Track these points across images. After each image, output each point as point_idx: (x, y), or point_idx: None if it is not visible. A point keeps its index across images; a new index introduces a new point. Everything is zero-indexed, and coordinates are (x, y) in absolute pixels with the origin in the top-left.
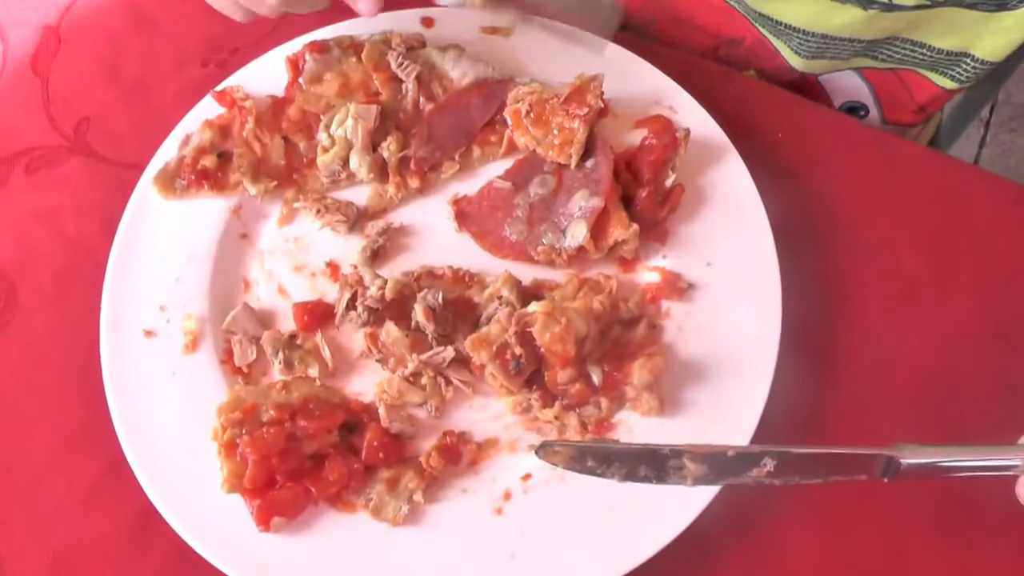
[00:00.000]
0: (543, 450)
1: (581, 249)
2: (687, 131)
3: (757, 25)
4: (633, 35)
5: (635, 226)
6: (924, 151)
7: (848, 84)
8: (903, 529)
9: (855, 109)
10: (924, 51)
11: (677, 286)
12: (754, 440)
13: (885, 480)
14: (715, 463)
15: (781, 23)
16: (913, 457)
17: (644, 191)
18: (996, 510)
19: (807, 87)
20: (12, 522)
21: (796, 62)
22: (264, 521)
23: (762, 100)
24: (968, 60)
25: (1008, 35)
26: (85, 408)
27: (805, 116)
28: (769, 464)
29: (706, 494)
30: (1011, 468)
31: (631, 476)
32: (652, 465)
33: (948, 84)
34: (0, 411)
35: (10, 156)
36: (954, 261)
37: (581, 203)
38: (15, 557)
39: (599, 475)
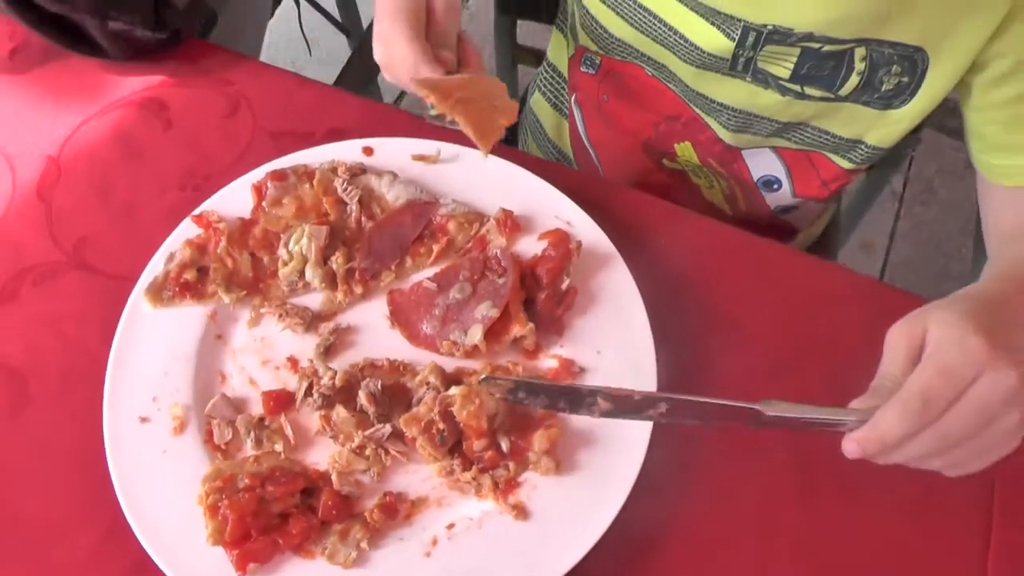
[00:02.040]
0: (486, 382)
1: (476, 347)
2: (579, 243)
3: (692, 105)
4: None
5: (531, 325)
6: (789, 251)
7: (765, 161)
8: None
9: (770, 183)
10: (828, 136)
11: (571, 370)
12: (632, 495)
13: (752, 427)
14: (621, 402)
15: (714, 101)
16: (773, 411)
17: (544, 293)
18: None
19: (731, 159)
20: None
21: (724, 135)
22: (242, 567)
23: (647, 211)
24: (863, 146)
25: (894, 127)
26: (90, 481)
27: (685, 224)
28: (663, 407)
29: (597, 530)
30: (842, 424)
31: (551, 406)
32: (570, 399)
33: (847, 165)
34: (15, 485)
35: (19, 272)
36: (810, 342)
37: (484, 311)
38: None
39: (526, 404)
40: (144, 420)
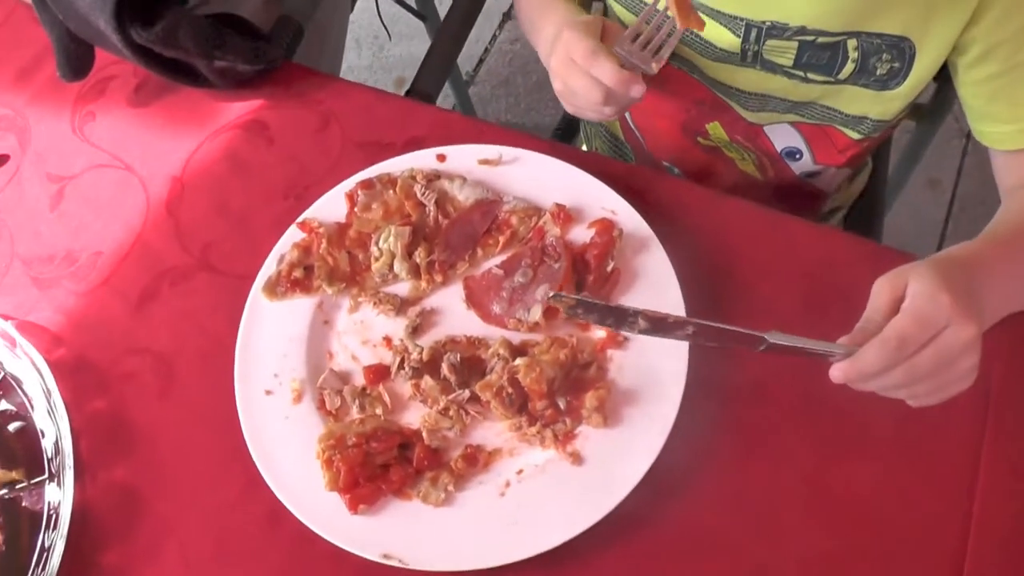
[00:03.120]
0: (554, 298)
1: (537, 323)
2: (620, 230)
3: (714, 90)
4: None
5: None
6: (803, 224)
7: (785, 134)
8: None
9: (792, 153)
10: (836, 113)
11: (617, 339)
12: (673, 432)
13: (757, 351)
14: (657, 323)
15: (732, 87)
16: (774, 339)
17: (592, 275)
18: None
19: (754, 135)
20: (188, 520)
21: (745, 115)
22: (354, 507)
23: (684, 195)
24: (867, 121)
25: (891, 104)
26: (228, 444)
27: (716, 205)
28: (690, 329)
29: (639, 471)
30: (832, 356)
31: (601, 322)
32: (616, 317)
33: (855, 136)
34: (173, 452)
35: (159, 274)
36: (823, 306)
37: (543, 293)
38: (194, 545)
39: (581, 318)
40: (269, 392)
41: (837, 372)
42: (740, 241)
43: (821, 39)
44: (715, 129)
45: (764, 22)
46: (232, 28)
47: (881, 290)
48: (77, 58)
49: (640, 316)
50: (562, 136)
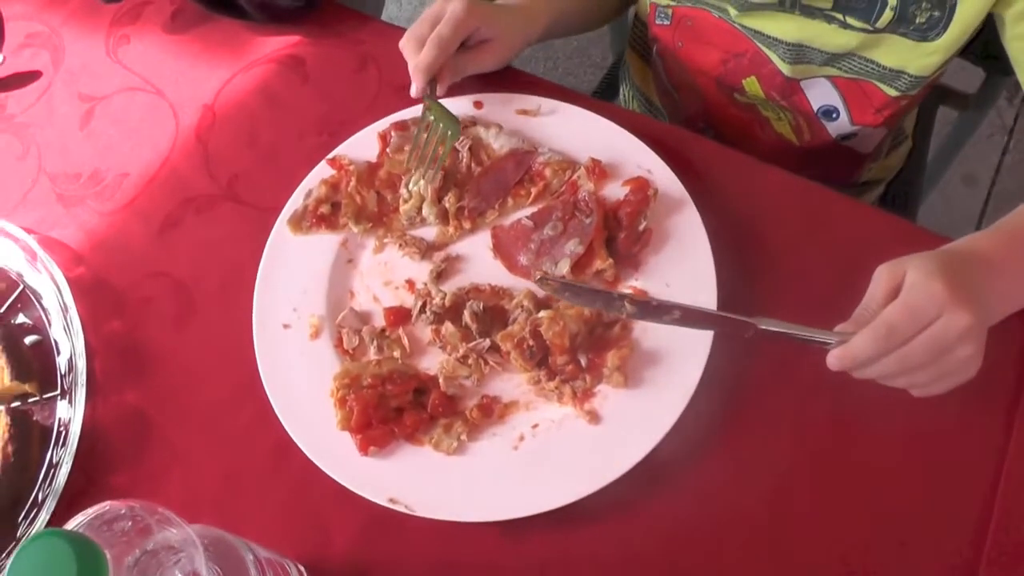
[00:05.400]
0: (541, 280)
1: (563, 277)
2: (656, 190)
3: (754, 40)
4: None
5: (611, 260)
6: (838, 196)
7: (823, 90)
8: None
9: (828, 112)
10: (874, 66)
11: (644, 300)
12: (694, 398)
13: (748, 336)
14: (643, 307)
15: (770, 36)
16: (765, 325)
17: (623, 233)
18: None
19: (791, 91)
20: (195, 448)
21: (784, 68)
22: (364, 449)
23: (718, 158)
24: (905, 76)
25: (932, 58)
26: (243, 374)
27: (751, 171)
28: (677, 313)
29: (657, 434)
30: (827, 343)
31: (589, 304)
32: (605, 301)
33: (893, 92)
34: (186, 379)
35: (184, 201)
36: (853, 283)
37: (572, 247)
38: (200, 473)
39: (569, 301)
40: (286, 327)
41: (832, 360)
42: (774, 210)
43: None
44: (751, 85)
45: None
46: None
47: (880, 278)
48: None
49: (626, 300)
50: (603, 91)
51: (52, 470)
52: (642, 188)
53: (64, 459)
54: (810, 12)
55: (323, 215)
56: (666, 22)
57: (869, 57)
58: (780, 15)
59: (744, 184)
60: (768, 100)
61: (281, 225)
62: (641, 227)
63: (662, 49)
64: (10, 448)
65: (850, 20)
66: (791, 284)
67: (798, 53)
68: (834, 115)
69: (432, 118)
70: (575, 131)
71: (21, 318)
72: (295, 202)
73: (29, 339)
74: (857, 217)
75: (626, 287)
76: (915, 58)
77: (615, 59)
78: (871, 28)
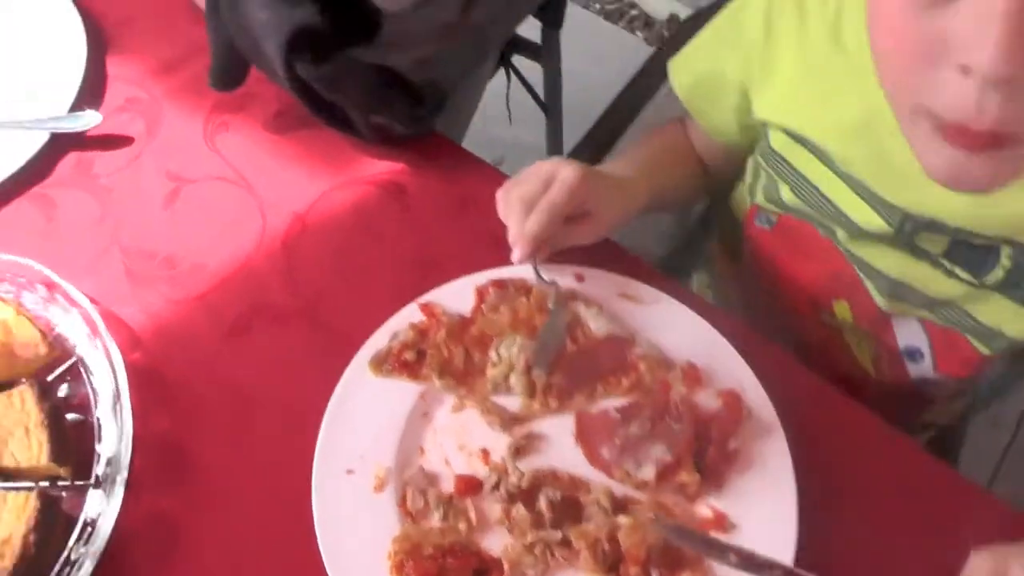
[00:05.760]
0: (657, 520)
1: (645, 482)
2: (749, 411)
3: (855, 267)
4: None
5: (697, 475)
6: (932, 460)
7: (912, 330)
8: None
9: (912, 353)
10: (971, 320)
11: (723, 524)
12: None
13: None
14: (748, 561)
15: (873, 267)
16: None
17: (712, 449)
18: None
19: (881, 326)
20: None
21: (880, 300)
22: None
23: (810, 389)
24: (1001, 336)
25: None
26: (293, 510)
27: (842, 408)
28: (779, 573)
29: None
30: None
31: (694, 548)
32: (713, 550)
33: (985, 351)
34: (229, 499)
35: (259, 306)
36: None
37: (659, 454)
38: None
39: (676, 542)
40: (350, 472)
41: None
42: (864, 459)
43: (978, 240)
44: (842, 309)
45: (923, 216)
46: (393, 86)
47: (979, 571)
48: (233, 70)
49: (731, 551)
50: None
51: (68, 568)
52: (736, 405)
53: (85, 560)
54: (920, 253)
55: (406, 361)
56: (767, 227)
57: (968, 310)
58: (888, 249)
59: (834, 421)
60: (856, 327)
61: (361, 362)
62: (731, 447)
63: (755, 251)
64: (31, 538)
65: (957, 270)
66: (873, 539)
67: (898, 290)
68: (918, 357)
69: (552, 307)
70: (675, 327)
71: (64, 390)
72: (378, 341)
73: (70, 416)
74: (946, 483)
75: (705, 506)
76: (1016, 321)
77: (684, 237)
78: (978, 284)
